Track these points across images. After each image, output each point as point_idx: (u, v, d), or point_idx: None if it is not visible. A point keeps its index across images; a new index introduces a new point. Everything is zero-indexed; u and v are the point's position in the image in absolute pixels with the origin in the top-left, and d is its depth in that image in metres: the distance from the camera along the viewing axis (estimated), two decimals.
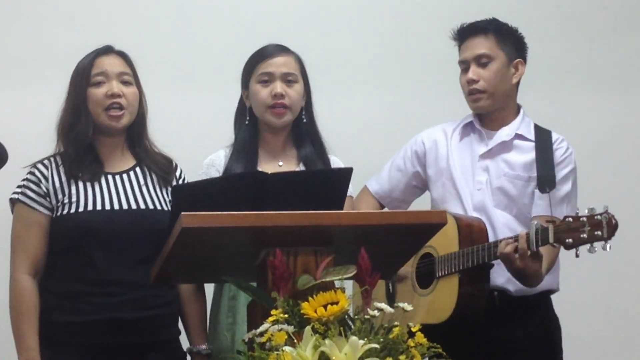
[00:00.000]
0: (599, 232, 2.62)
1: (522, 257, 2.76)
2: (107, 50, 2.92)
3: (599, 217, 2.63)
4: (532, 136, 3.11)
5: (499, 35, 3.11)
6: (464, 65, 3.13)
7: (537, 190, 3.01)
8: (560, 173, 3.05)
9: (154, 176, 2.95)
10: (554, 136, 3.10)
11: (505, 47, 3.10)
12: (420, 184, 3.26)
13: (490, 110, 3.13)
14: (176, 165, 3.02)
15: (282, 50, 3.07)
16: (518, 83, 3.16)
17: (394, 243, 2.42)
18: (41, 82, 3.59)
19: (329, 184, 2.54)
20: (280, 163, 3.07)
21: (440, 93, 3.89)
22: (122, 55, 2.94)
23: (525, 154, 3.08)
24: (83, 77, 2.88)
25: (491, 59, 3.08)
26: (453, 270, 2.93)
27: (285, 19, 3.82)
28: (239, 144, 3.09)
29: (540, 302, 3.06)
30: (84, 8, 3.78)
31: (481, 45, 3.10)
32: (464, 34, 3.15)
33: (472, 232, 2.96)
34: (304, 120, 3.09)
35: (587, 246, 2.67)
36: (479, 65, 3.09)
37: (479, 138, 3.15)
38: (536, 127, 3.13)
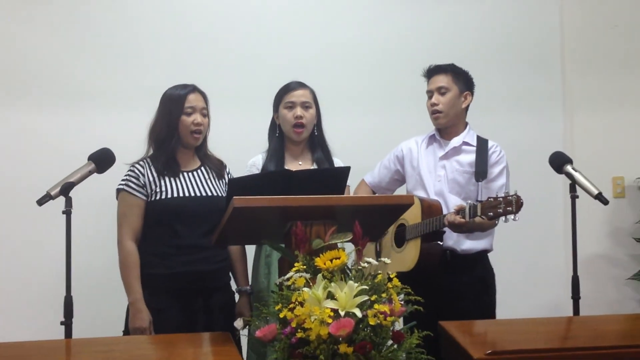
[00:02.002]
0: (510, 208, 2.64)
1: (465, 224, 2.80)
2: (194, 89, 2.91)
3: (510, 197, 2.66)
4: (474, 143, 3.11)
5: (454, 74, 3.12)
6: (430, 94, 3.15)
7: (481, 182, 3.01)
8: (496, 170, 3.07)
9: (213, 173, 2.96)
10: (490, 143, 3.11)
11: (459, 82, 3.12)
12: (400, 177, 3.28)
13: (445, 125, 3.13)
14: (225, 165, 3.03)
15: (301, 85, 3.08)
16: (467, 108, 3.17)
17: (378, 217, 2.44)
18: (133, 108, 3.57)
19: (333, 177, 2.56)
20: (300, 163, 3.07)
21: (411, 115, 3.79)
22: (203, 94, 2.94)
23: (469, 155, 3.09)
24: (178, 106, 2.87)
25: (448, 90, 3.10)
26: (417, 234, 2.96)
27: (302, 63, 3.78)
28: (271, 150, 3.09)
29: (479, 258, 3.07)
30: (162, 56, 3.77)
31: (441, 80, 3.11)
32: (431, 72, 3.17)
33: (431, 209, 2.97)
34: (316, 134, 3.10)
35: (504, 218, 2.69)
36: (440, 94, 3.10)
37: (439, 146, 3.15)
38: (478, 137, 3.14)
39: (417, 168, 3.16)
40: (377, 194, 3.28)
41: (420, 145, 3.21)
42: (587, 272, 3.84)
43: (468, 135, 3.14)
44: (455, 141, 3.12)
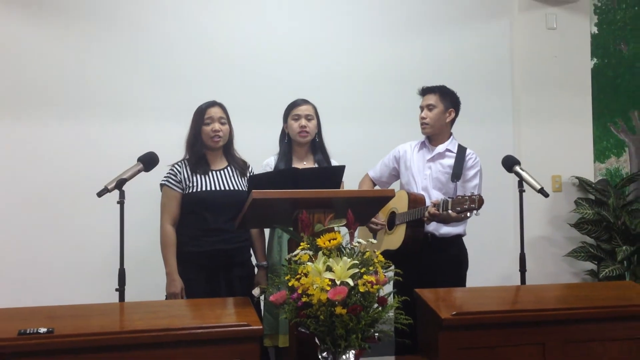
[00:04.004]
0: (473, 205, 2.65)
1: (438, 215, 2.78)
2: (214, 103, 2.92)
3: (474, 197, 2.66)
4: (455, 150, 3.06)
5: (441, 94, 3.06)
6: (421, 109, 3.09)
7: (456, 182, 2.99)
8: (471, 172, 3.03)
9: (237, 172, 2.93)
10: (468, 151, 3.06)
11: (445, 101, 3.05)
12: (396, 174, 3.20)
13: (431, 135, 3.09)
14: (249, 165, 3.00)
15: (304, 101, 3.05)
16: (452, 121, 3.11)
17: (365, 206, 2.44)
18: (174, 120, 3.43)
19: (332, 174, 2.56)
20: (305, 163, 3.03)
21: (393, 127, 3.86)
22: (221, 106, 2.93)
23: (450, 160, 3.04)
24: (200, 118, 2.89)
25: (435, 107, 3.04)
26: (403, 220, 2.94)
27: (306, 84, 3.72)
28: (281, 153, 3.06)
29: (455, 240, 3.03)
30: (199, 79, 3.77)
31: (430, 99, 3.05)
32: (424, 91, 3.11)
33: (416, 201, 2.95)
34: (317, 140, 3.07)
35: (469, 213, 2.69)
36: (428, 109, 3.05)
37: (427, 150, 3.10)
38: (459, 145, 3.09)
39: (409, 167, 3.11)
40: (377, 186, 3.26)
41: (413, 148, 3.16)
42: (532, 250, 3.85)
43: (451, 144, 3.09)
44: (440, 148, 3.08)
